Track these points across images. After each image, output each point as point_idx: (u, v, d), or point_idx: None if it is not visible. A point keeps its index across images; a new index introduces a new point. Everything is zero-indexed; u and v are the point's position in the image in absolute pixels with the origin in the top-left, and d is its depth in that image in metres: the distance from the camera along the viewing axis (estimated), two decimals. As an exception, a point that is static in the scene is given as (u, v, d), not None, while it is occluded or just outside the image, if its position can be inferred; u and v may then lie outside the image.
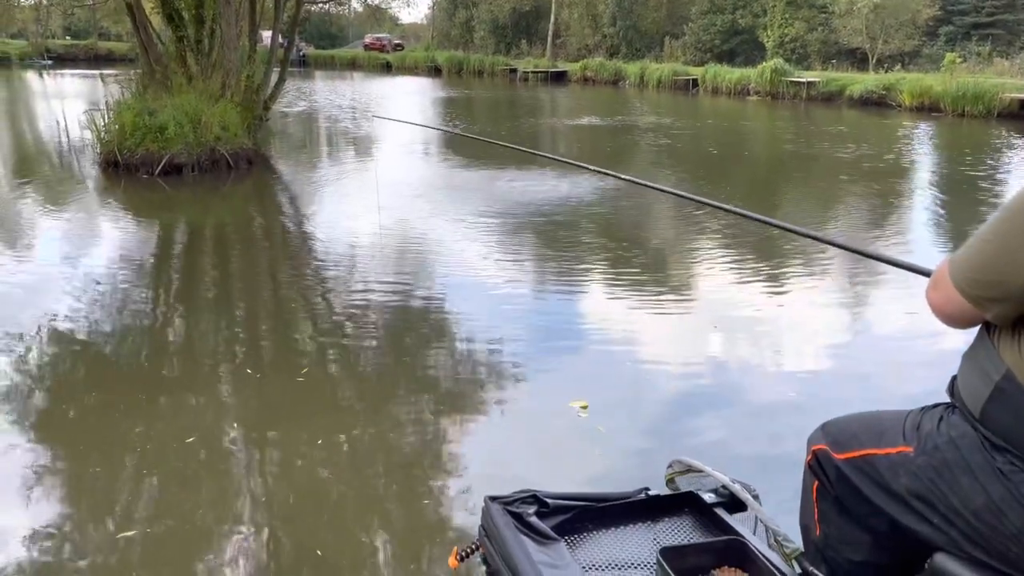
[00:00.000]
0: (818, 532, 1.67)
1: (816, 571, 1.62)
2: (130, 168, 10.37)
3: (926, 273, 1.53)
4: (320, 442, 3.58)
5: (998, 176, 12.01)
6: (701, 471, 1.93)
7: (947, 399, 1.49)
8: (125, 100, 11.62)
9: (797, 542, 1.72)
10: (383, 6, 20.28)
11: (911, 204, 10.07)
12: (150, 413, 3.86)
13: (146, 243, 7.60)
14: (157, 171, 10.21)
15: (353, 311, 5.47)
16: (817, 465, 1.64)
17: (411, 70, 44.31)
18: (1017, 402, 1.29)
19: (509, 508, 1.65)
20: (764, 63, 28.34)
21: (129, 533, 2.90)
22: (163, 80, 12.08)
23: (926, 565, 1.40)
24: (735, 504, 1.75)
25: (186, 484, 3.24)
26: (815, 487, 1.66)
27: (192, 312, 5.49)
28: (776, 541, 1.69)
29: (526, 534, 1.59)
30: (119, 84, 13.35)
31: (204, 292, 6.05)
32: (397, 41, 51.70)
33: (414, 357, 4.71)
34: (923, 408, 1.52)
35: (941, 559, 1.36)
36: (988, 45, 28.11)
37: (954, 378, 1.49)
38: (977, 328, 1.41)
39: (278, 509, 3.09)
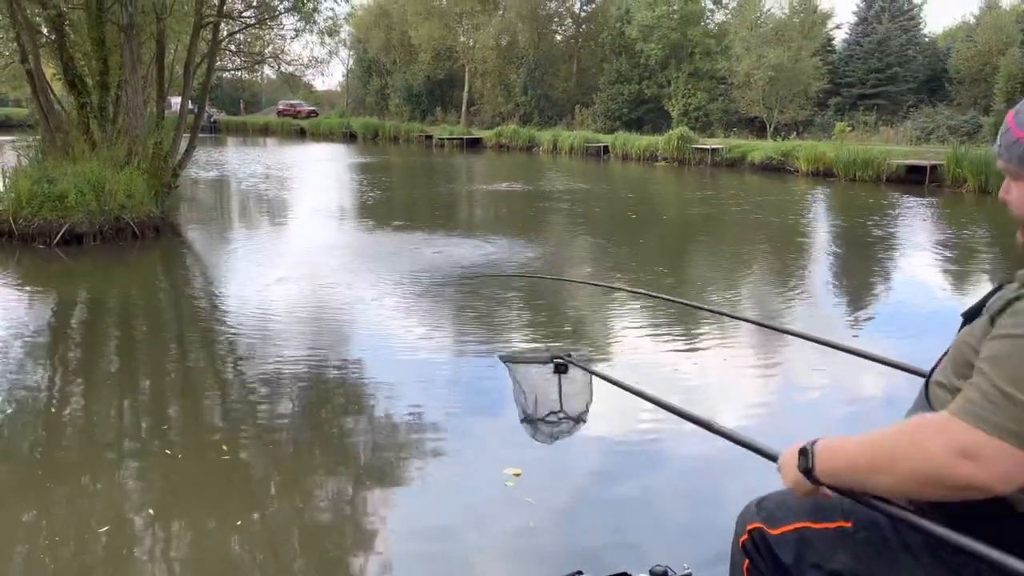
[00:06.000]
0: None
1: None
2: (25, 238, 9.85)
3: (919, 373, 1.52)
4: (239, 523, 3.36)
5: (890, 237, 12.73)
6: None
7: None
8: (22, 167, 11.10)
9: None
10: (297, 73, 20.25)
11: (815, 265, 10.50)
12: (58, 500, 3.55)
13: (41, 317, 7.15)
14: (55, 241, 9.73)
15: (270, 385, 5.22)
16: (752, 545, 1.58)
17: (326, 136, 44.24)
18: None
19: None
20: (670, 131, 29.58)
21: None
22: (64, 147, 11.63)
23: None
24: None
25: (101, 573, 2.96)
26: (745, 566, 1.60)
27: (96, 391, 5.14)
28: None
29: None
30: (16, 151, 12.78)
31: (107, 369, 5.69)
32: (311, 108, 51.68)
33: (341, 430, 4.52)
34: None
35: None
36: (874, 115, 30.17)
37: None
38: (916, 397, 1.38)
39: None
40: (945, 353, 1.33)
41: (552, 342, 6.34)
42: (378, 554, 3.22)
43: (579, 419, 2.11)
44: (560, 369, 1.99)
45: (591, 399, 2.12)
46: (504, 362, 2.14)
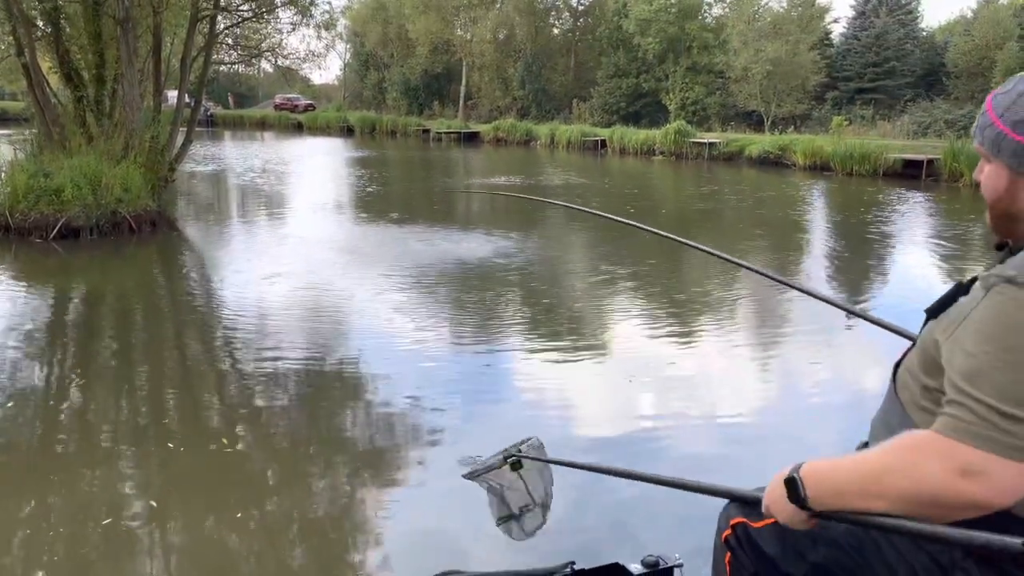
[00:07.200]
0: None
1: None
2: (22, 232, 9.85)
3: (911, 337, 1.49)
4: (239, 515, 3.38)
5: (888, 231, 12.76)
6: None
7: None
8: (18, 161, 11.10)
9: None
10: (293, 67, 20.26)
11: (813, 259, 10.54)
12: (57, 492, 3.57)
13: (39, 310, 7.16)
14: (52, 235, 9.73)
15: (268, 377, 5.24)
16: (734, 539, 1.58)
17: (323, 130, 44.12)
18: None
19: (432, 592, 1.57)
20: (668, 125, 29.54)
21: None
22: (61, 141, 11.62)
23: None
24: (661, 573, 1.72)
25: (101, 566, 2.99)
26: (727, 559, 1.61)
27: (94, 384, 5.16)
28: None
29: (450, 618, 1.51)
30: (12, 145, 12.77)
31: (104, 362, 5.70)
32: (308, 101, 51.49)
33: (339, 423, 4.54)
34: None
35: None
36: (871, 109, 30.15)
37: (865, 444, 1.48)
38: (886, 391, 1.41)
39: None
40: (912, 345, 1.34)
41: (553, 339, 6.38)
42: (375, 545, 3.24)
43: (545, 505, 2.18)
44: (516, 466, 2.07)
45: (551, 481, 2.20)
46: (468, 479, 2.23)
